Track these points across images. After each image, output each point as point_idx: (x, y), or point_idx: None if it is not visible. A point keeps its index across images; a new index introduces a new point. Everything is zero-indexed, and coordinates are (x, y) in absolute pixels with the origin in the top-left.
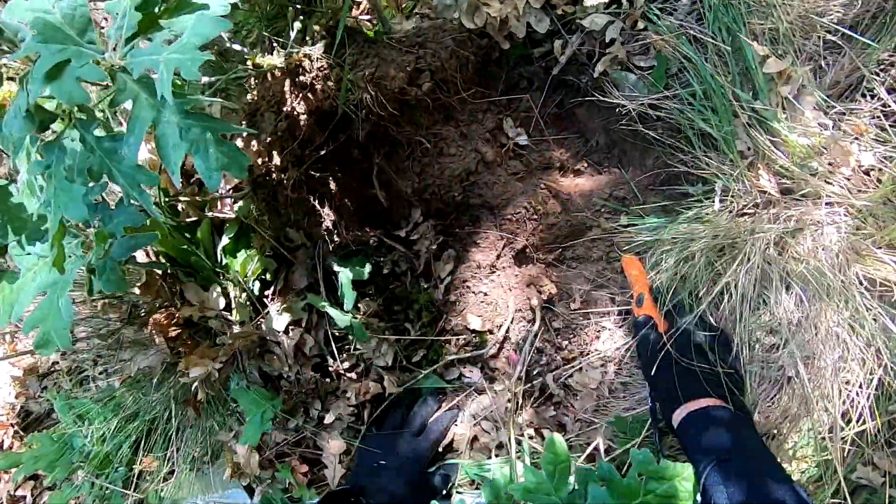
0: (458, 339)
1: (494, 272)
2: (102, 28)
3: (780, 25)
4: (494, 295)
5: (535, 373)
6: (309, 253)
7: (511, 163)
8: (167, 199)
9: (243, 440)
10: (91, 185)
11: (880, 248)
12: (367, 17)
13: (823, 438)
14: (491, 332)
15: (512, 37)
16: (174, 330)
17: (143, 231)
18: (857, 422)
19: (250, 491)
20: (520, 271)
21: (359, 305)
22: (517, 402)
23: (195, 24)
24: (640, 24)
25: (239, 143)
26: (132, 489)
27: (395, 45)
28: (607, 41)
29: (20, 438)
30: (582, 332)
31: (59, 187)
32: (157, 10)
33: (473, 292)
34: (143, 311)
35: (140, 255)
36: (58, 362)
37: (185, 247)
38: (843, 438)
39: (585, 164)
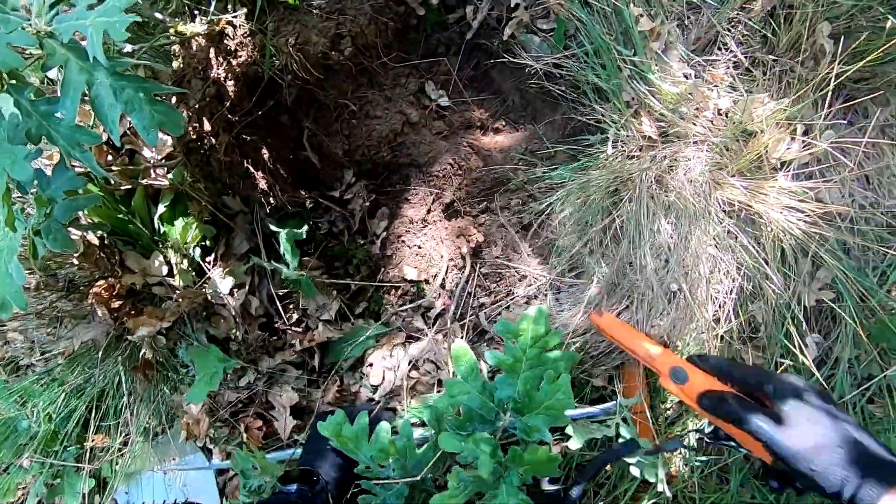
0: (397, 290)
1: (426, 226)
2: None
3: None
4: (428, 247)
5: (468, 314)
6: (247, 218)
7: (435, 123)
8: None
9: (189, 397)
10: (30, 147)
11: (733, 176)
12: None
13: (702, 338)
14: (427, 281)
15: (427, 3)
16: (116, 300)
17: (84, 195)
18: (725, 322)
19: (208, 452)
20: (449, 224)
21: (302, 263)
22: (452, 340)
23: None
24: None
25: None
26: (86, 464)
27: (315, 11)
28: (513, 6)
29: None
30: (507, 276)
31: (1, 150)
32: None
33: (408, 246)
34: (81, 284)
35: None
36: None
37: (122, 216)
38: (715, 336)
39: (503, 123)
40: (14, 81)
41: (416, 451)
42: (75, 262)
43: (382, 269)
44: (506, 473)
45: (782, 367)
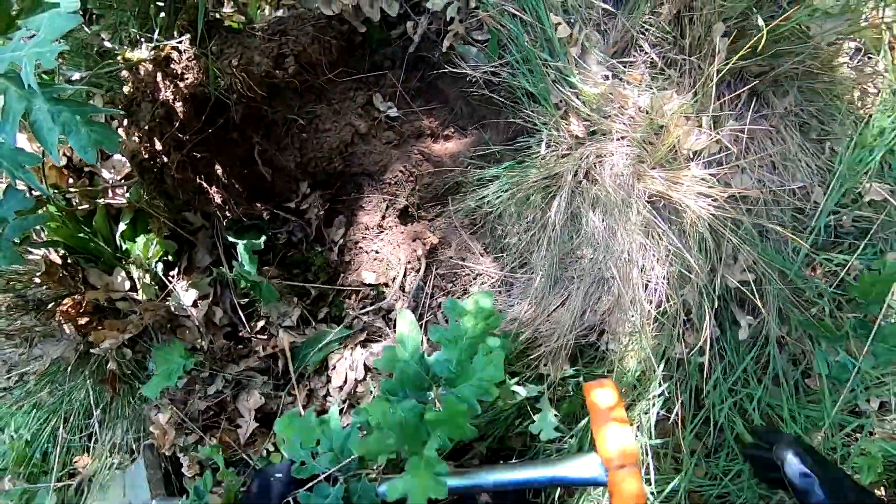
0: (357, 294)
1: (382, 231)
2: None
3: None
4: (385, 251)
5: (426, 313)
6: (209, 233)
7: (385, 133)
8: (59, 192)
9: (145, 390)
10: None
11: (654, 168)
12: (233, 10)
13: (637, 322)
14: (386, 284)
15: (368, 21)
16: (83, 317)
17: (31, 213)
18: (657, 306)
19: (177, 463)
20: (405, 228)
21: (261, 271)
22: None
23: (49, 21)
24: (473, 3)
25: (120, 132)
26: (52, 483)
27: (257, 34)
28: (448, 20)
29: None
30: (462, 276)
31: None
32: (12, 11)
33: (366, 251)
34: (49, 303)
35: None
36: None
37: (82, 235)
38: (651, 319)
39: (452, 129)
40: None
41: (340, 431)
42: (37, 280)
43: (342, 275)
44: (428, 440)
45: (718, 346)
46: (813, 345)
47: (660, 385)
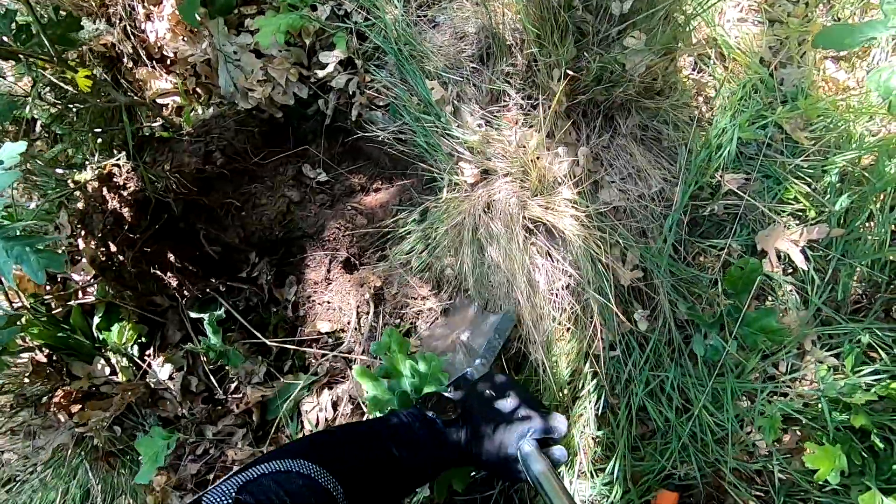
0: (317, 343)
1: (330, 283)
2: None
3: (438, 64)
4: (336, 300)
5: None
6: (176, 311)
7: (318, 197)
8: (37, 300)
9: (137, 479)
10: None
11: (534, 196)
12: (159, 124)
13: (549, 328)
14: (343, 329)
15: (286, 106)
16: (74, 405)
17: (7, 327)
18: (562, 312)
19: None
20: (350, 277)
21: (226, 339)
22: None
23: None
24: (368, 78)
25: (80, 241)
26: None
27: (185, 138)
28: (352, 93)
29: None
30: (407, 309)
31: None
32: None
33: (318, 303)
34: (42, 398)
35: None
36: None
37: (62, 334)
38: (559, 325)
39: (380, 182)
40: None
41: None
42: (27, 380)
43: (299, 329)
44: None
45: (625, 342)
46: (692, 329)
47: (591, 381)
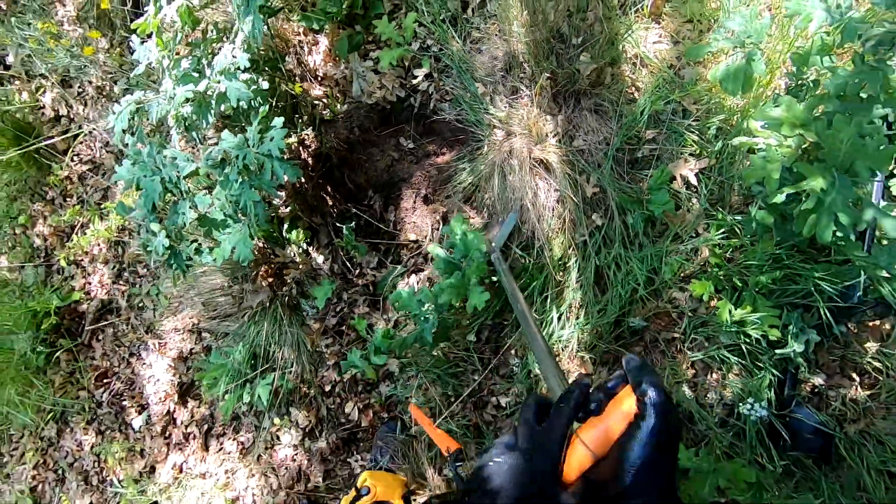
0: (407, 247)
1: (415, 210)
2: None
3: (481, 73)
4: (419, 220)
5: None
6: (326, 226)
7: (408, 157)
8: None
9: (315, 291)
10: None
11: (536, 145)
12: (326, 111)
13: (546, 225)
14: (423, 239)
15: (391, 102)
16: (271, 277)
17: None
18: (552, 216)
19: (319, 356)
20: (427, 207)
21: (356, 239)
22: None
23: (276, 136)
24: (441, 83)
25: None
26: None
27: (339, 119)
28: (430, 93)
29: (181, 403)
30: None
31: (245, 193)
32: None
33: (408, 222)
34: (254, 272)
35: None
36: (193, 348)
37: (273, 232)
38: (547, 224)
39: (445, 148)
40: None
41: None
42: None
43: (397, 237)
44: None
45: (582, 238)
46: (630, 212)
47: (572, 259)
